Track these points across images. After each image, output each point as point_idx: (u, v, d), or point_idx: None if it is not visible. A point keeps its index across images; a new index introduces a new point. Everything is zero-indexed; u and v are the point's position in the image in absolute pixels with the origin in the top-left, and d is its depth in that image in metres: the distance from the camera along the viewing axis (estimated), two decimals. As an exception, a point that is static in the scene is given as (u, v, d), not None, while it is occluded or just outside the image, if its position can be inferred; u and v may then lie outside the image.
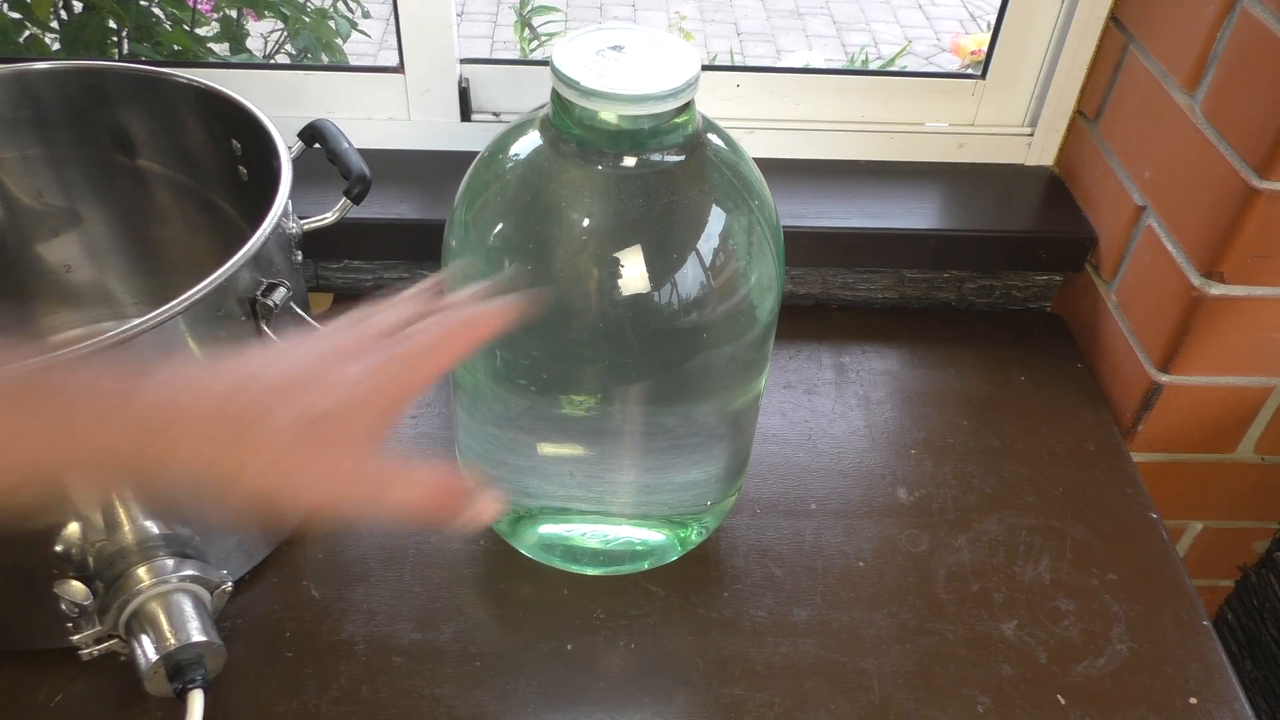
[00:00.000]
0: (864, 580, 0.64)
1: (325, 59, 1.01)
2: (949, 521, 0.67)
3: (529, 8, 1.82)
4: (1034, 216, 0.82)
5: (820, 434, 0.73)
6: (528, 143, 0.52)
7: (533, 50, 1.83)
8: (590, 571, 0.63)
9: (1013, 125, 0.85)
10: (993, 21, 0.82)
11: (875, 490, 0.69)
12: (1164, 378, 0.72)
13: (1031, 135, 0.85)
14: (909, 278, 0.85)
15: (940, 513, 0.68)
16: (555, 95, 0.49)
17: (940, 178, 0.85)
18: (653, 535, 0.62)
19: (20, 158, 0.65)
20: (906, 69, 2.23)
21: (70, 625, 0.52)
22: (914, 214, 0.81)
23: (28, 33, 0.95)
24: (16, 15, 0.94)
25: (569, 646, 0.60)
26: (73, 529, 0.51)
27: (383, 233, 0.78)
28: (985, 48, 0.83)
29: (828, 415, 0.74)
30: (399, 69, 0.81)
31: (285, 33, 1.02)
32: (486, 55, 0.81)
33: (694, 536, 0.63)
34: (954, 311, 0.86)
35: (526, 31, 1.82)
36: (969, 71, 0.86)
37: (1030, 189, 0.84)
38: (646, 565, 0.63)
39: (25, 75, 0.62)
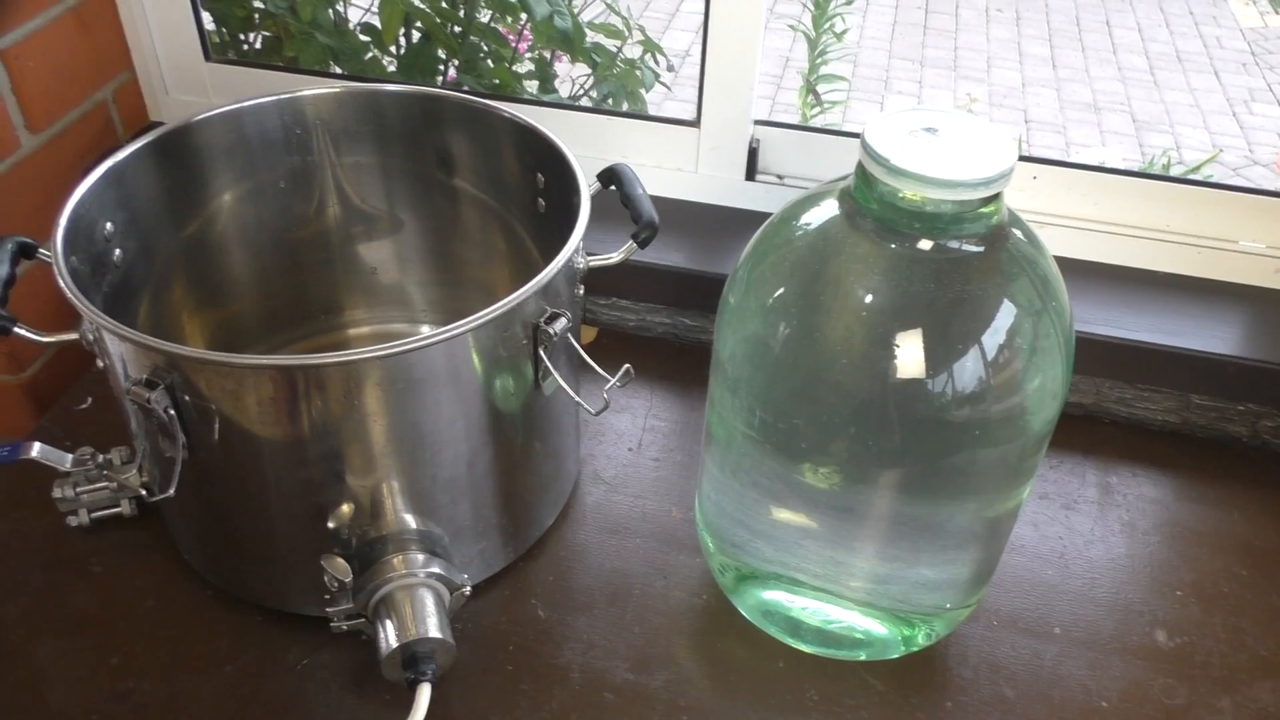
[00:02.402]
0: (1104, 723, 0.59)
1: (625, 105, 1.06)
2: (1212, 678, 0.61)
3: (815, 75, 1.84)
4: (1357, 359, 0.73)
5: (1074, 555, 0.68)
6: (823, 212, 0.52)
7: (814, 116, 1.84)
8: (805, 649, 0.61)
9: (1344, 256, 0.77)
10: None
11: (1130, 627, 0.64)
12: None
13: (1366, 269, 0.76)
14: (1196, 403, 0.78)
15: (1203, 666, 0.61)
16: (860, 169, 0.49)
17: (1249, 301, 0.78)
18: (877, 627, 0.59)
19: (355, 165, 0.72)
20: (1211, 178, 2.07)
21: (327, 598, 0.56)
22: (1213, 337, 0.74)
23: (370, 54, 1.06)
24: (366, 38, 1.04)
25: (777, 721, 0.58)
26: (345, 509, 0.55)
27: (654, 277, 0.80)
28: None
29: (1085, 536, 0.69)
30: (695, 123, 0.83)
31: (592, 77, 1.08)
32: (766, 116, 0.82)
33: (920, 639, 0.60)
34: (1244, 448, 0.78)
35: (810, 97, 1.84)
36: (1299, 192, 0.79)
37: (1356, 328, 0.76)
38: (864, 656, 0.61)
39: (377, 95, 0.70)
